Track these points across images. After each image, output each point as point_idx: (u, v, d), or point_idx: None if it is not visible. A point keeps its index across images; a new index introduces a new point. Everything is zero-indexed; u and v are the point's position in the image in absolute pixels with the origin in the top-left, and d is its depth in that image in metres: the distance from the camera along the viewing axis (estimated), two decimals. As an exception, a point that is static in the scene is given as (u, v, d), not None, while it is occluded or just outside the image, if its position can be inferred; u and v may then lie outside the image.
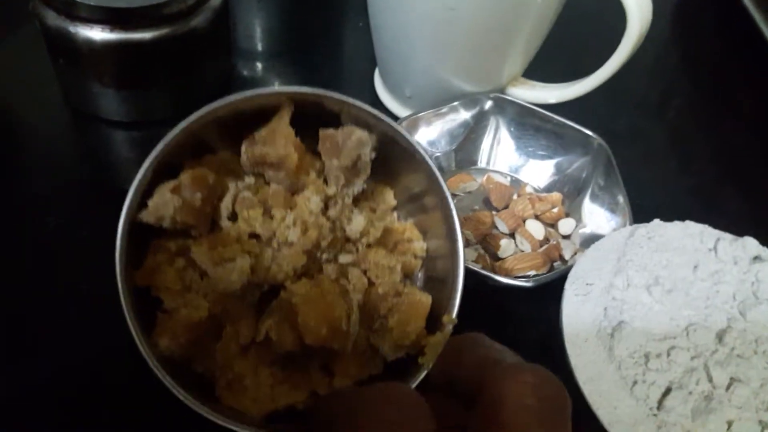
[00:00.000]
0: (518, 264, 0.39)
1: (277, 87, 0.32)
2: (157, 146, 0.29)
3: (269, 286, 0.31)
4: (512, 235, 0.42)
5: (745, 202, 0.48)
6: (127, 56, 0.42)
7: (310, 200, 0.31)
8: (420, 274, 0.35)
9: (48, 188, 0.43)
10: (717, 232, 0.36)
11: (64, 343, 0.35)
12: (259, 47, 0.56)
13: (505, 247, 0.41)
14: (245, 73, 0.52)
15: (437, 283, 0.33)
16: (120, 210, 0.28)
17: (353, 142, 0.31)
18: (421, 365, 0.29)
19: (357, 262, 0.33)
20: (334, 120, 0.32)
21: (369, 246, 0.33)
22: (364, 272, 0.33)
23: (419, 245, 0.34)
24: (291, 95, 0.31)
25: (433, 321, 0.31)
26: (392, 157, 0.33)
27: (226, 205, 0.31)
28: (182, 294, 0.30)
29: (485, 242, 0.41)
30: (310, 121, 0.31)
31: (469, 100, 0.44)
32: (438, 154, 0.44)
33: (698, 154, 0.52)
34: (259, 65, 0.54)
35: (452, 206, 0.32)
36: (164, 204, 0.29)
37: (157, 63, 0.44)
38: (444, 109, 0.44)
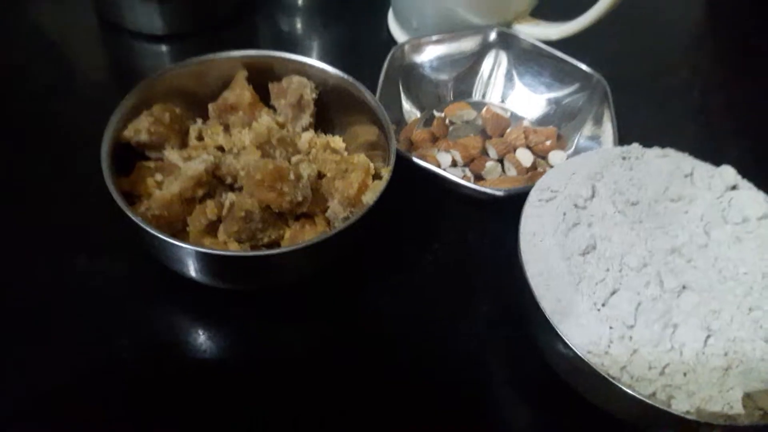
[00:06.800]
0: (498, 183, 0.40)
1: (231, 52, 0.39)
2: (137, 86, 0.36)
3: (232, 180, 0.36)
4: (501, 162, 0.43)
5: (751, 154, 0.47)
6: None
7: (263, 118, 0.38)
8: None
9: (73, 90, 0.46)
10: (695, 161, 0.36)
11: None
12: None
13: (490, 169, 0.41)
14: (266, 7, 0.54)
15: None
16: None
17: (295, 84, 0.39)
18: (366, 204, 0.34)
19: (308, 160, 0.38)
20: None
21: (317, 153, 0.39)
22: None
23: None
24: (244, 60, 0.39)
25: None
26: (341, 107, 0.40)
27: (194, 130, 0.39)
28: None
29: (472, 165, 0.42)
30: (265, 84, 0.39)
31: (475, 30, 0.45)
32: (436, 81, 0.45)
33: (705, 103, 0.51)
34: (290, 12, 0.56)
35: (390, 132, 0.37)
36: (139, 122, 0.36)
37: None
38: (448, 36, 0.45)
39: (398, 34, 0.50)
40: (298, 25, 0.54)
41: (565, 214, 0.33)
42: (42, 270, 0.36)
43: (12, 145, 0.42)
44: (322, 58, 0.40)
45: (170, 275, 0.34)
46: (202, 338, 0.35)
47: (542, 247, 0.32)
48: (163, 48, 0.50)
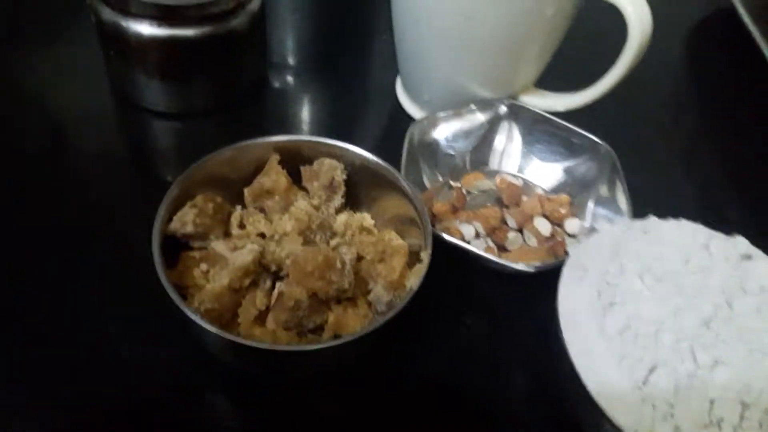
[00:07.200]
0: (523, 256, 0.42)
1: (264, 138, 0.40)
2: (176, 181, 0.37)
3: (277, 267, 0.37)
4: (521, 232, 0.45)
5: (748, 213, 0.50)
6: (171, 50, 0.46)
7: (299, 202, 0.40)
8: None
9: (94, 170, 0.47)
10: (710, 231, 0.39)
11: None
12: (293, 58, 0.60)
13: (513, 240, 0.43)
14: (278, 82, 0.56)
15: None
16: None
17: (326, 167, 0.40)
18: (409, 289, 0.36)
19: (346, 243, 0.40)
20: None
21: (353, 235, 0.40)
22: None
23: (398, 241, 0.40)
24: (275, 144, 0.40)
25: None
26: (367, 184, 0.41)
27: (235, 218, 0.40)
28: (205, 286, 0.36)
29: (494, 235, 0.44)
30: (296, 167, 0.41)
31: (486, 104, 0.47)
32: (454, 153, 0.47)
33: (702, 165, 0.54)
34: (292, 74, 0.58)
35: (420, 202, 0.38)
36: (184, 214, 0.37)
37: (198, 58, 0.48)
38: (461, 111, 0.47)
39: (408, 104, 0.52)
40: (308, 99, 0.56)
41: (599, 292, 0.35)
42: (87, 356, 0.37)
43: (38, 235, 0.42)
44: (336, 132, 0.42)
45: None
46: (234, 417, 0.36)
47: (580, 327, 0.34)
48: (181, 125, 0.51)
